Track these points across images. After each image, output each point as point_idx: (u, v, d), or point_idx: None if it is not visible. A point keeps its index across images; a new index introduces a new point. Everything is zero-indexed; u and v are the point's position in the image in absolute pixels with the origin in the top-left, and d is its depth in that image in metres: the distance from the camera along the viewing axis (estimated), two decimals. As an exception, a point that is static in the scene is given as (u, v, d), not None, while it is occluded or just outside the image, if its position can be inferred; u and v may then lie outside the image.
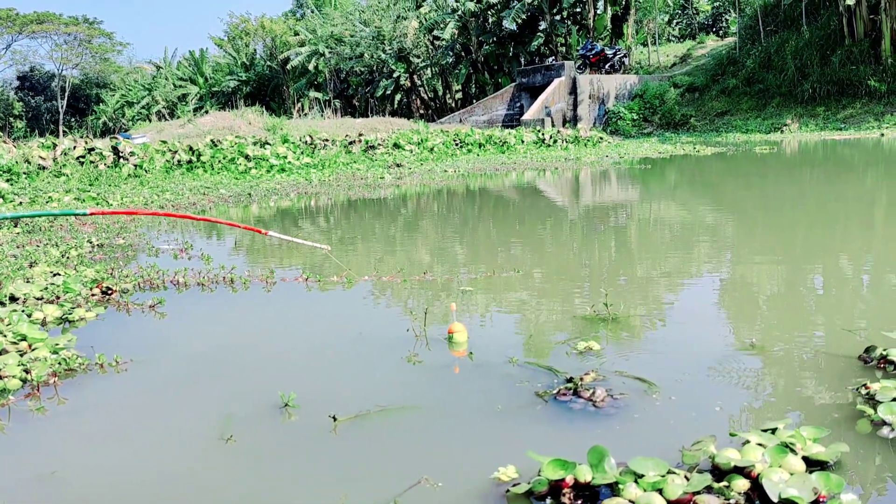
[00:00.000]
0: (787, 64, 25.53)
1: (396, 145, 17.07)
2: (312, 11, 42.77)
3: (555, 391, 2.52)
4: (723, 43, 32.94)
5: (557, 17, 32.00)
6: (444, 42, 34.34)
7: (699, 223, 6.92)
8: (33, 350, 3.09)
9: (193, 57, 48.81)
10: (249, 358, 3.15)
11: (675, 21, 40.28)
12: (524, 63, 33.07)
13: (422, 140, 17.68)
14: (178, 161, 13.50)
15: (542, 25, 32.75)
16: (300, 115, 30.61)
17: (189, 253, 5.70)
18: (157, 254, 5.77)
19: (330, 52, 38.61)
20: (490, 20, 33.49)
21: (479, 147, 18.31)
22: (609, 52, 28.65)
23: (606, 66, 28.71)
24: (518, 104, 30.05)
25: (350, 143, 16.64)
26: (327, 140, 16.53)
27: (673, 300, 3.94)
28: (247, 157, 14.01)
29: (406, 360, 3.02)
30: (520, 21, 31.68)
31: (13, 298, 3.94)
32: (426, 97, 39.71)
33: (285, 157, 14.46)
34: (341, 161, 15.25)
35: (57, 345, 3.12)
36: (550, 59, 32.83)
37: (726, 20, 37.48)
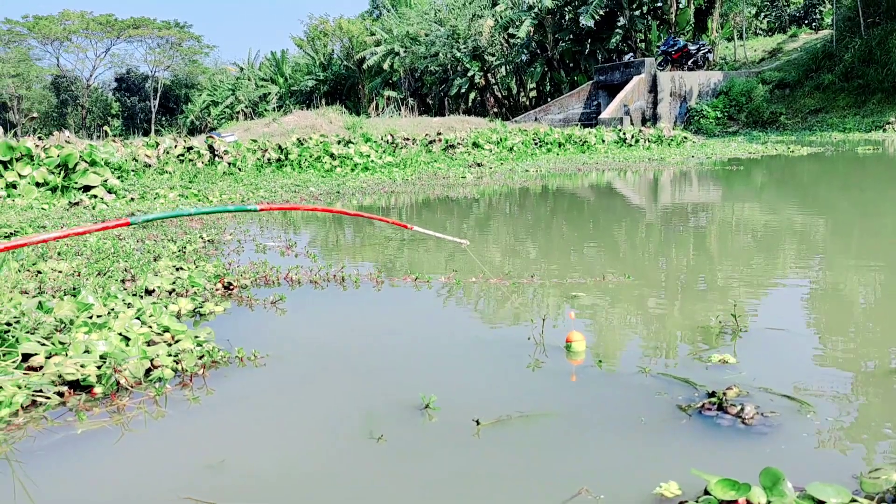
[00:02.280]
0: (892, 57, 24.18)
1: (476, 144, 17.11)
2: (389, 11, 43.30)
3: (698, 405, 2.47)
4: (817, 36, 31.54)
5: (637, 13, 31.38)
6: (519, 40, 34.21)
7: (817, 230, 6.66)
8: (177, 342, 3.25)
9: (275, 58, 50.27)
10: (375, 357, 3.23)
11: (763, 14, 38.85)
12: (601, 60, 32.58)
13: (501, 139, 17.67)
14: (268, 159, 13.93)
15: (621, 21, 32.18)
16: (377, 114, 31.06)
17: (294, 250, 5.88)
18: (265, 250, 5.97)
19: (405, 52, 39.03)
20: (567, 17, 33.14)
21: (559, 146, 18.16)
22: (692, 47, 27.91)
23: (689, 63, 27.99)
24: (595, 102, 29.63)
25: (430, 142, 16.78)
26: (408, 139, 16.72)
27: (803, 311, 3.81)
28: (332, 156, 14.32)
29: (528, 367, 3.03)
30: (597, 17, 31.22)
31: (148, 291, 4.15)
32: (500, 95, 39.65)
33: (368, 156, 14.71)
34: (422, 160, 15.40)
35: (197, 337, 3.27)
36: (629, 56, 32.23)
37: (820, 12, 35.89)
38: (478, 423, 2.39)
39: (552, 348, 3.21)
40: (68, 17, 53.69)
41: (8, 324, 3.27)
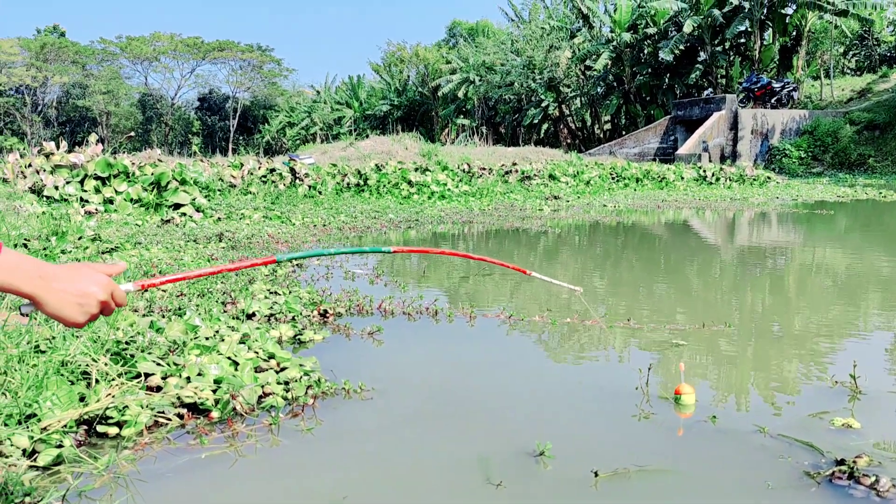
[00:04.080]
0: None
1: (552, 176, 17.07)
2: (465, 40, 43.95)
3: (827, 473, 2.36)
4: (909, 77, 30.34)
5: (719, 49, 30.88)
6: (595, 72, 34.10)
7: (912, 282, 6.33)
8: (282, 369, 3.32)
9: (351, 82, 51.59)
10: (479, 396, 3.21)
11: (851, 53, 37.62)
12: (680, 95, 32.13)
13: (577, 172, 17.57)
14: (348, 184, 14.22)
15: (702, 56, 31.75)
16: (450, 141, 31.38)
17: (383, 279, 5.95)
18: (353, 278, 6.06)
19: (480, 80, 39.42)
20: (645, 51, 32.91)
21: (637, 182, 17.93)
22: (776, 85, 27.22)
23: (772, 100, 27.30)
24: (672, 137, 29.18)
25: (506, 172, 16.83)
26: (484, 169, 16.81)
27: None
28: (409, 183, 14.51)
29: (634, 417, 2.96)
30: (677, 52, 30.85)
31: (249, 315, 4.26)
32: (574, 127, 39.51)
33: (445, 185, 14.84)
34: (498, 190, 15.45)
35: (302, 365, 3.33)
36: (708, 92, 31.66)
37: (913, 52, 34.51)
38: (596, 474, 2.35)
39: (658, 399, 3.14)
40: (159, 38, 56.48)
41: (127, 343, 3.41)
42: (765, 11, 29.11)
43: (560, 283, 2.73)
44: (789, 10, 29.29)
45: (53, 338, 3.36)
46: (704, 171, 19.23)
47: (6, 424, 2.41)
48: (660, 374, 3.46)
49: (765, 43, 30.09)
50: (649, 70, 32.44)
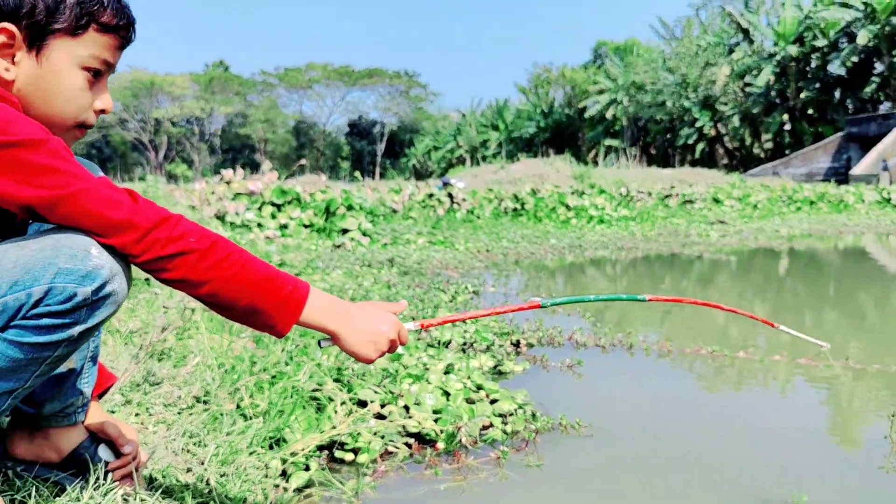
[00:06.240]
0: None
1: (716, 200, 16.27)
2: (612, 61, 43.24)
3: None
4: None
5: (899, 59, 28.28)
6: (756, 89, 32.32)
7: None
8: (494, 402, 3.32)
9: (498, 105, 52.27)
10: (701, 438, 3.05)
11: None
12: (852, 110, 29.72)
13: (743, 195, 16.63)
14: (504, 208, 14.31)
15: (879, 68, 29.23)
16: (603, 163, 30.84)
17: (567, 310, 5.87)
18: (532, 306, 6.02)
19: (629, 101, 38.56)
20: (813, 64, 30.83)
21: (810, 205, 16.69)
22: (971, 97, 24.48)
23: (966, 114, 24.58)
24: (845, 156, 27.01)
25: (666, 196, 16.25)
26: (641, 192, 16.33)
27: None
28: (567, 207, 14.36)
29: (882, 469, 2.68)
30: (850, 65, 28.61)
31: (446, 344, 4.33)
32: (731, 147, 37.60)
33: (603, 209, 14.55)
34: (658, 215, 14.93)
35: (514, 398, 3.31)
36: (886, 106, 29.08)
37: None
38: (870, 542, 2.13)
39: (905, 451, 2.83)
40: (313, 68, 60.16)
41: (343, 370, 3.56)
42: (955, 16, 26.36)
43: (807, 337, 2.53)
44: None
45: (278, 363, 3.58)
46: (889, 192, 17.56)
47: (261, 447, 2.57)
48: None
49: (955, 50, 27.21)
50: (817, 85, 30.30)
